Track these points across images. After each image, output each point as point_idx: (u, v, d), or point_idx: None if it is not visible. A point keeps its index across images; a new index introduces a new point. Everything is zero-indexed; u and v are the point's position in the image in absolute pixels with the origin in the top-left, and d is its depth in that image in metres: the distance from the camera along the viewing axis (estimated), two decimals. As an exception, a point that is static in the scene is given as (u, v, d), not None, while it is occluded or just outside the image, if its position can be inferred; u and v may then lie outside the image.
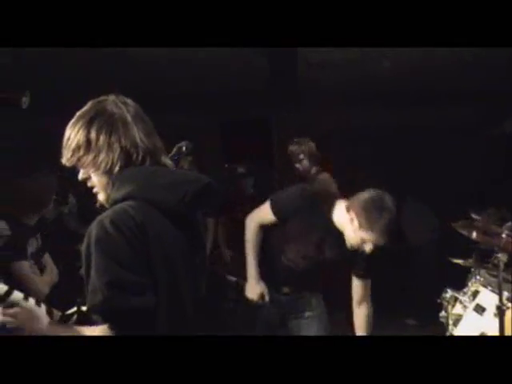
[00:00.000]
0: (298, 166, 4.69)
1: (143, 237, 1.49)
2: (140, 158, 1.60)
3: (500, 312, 2.70)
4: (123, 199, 1.55)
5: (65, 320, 1.72)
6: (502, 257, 2.76)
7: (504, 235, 2.79)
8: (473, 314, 2.99)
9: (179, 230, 1.60)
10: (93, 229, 1.49)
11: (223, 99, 7.10)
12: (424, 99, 6.34)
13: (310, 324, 2.90)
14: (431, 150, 6.56)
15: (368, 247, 2.58)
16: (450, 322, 3.09)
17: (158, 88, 6.19)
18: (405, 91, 6.42)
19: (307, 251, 2.79)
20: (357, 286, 2.89)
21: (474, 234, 2.99)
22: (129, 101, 1.67)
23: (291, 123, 8.04)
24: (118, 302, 1.44)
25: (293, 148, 4.63)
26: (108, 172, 1.59)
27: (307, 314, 2.92)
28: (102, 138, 1.58)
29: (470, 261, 3.24)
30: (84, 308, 1.64)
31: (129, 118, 1.62)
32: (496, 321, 2.72)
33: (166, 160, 1.72)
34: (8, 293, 1.61)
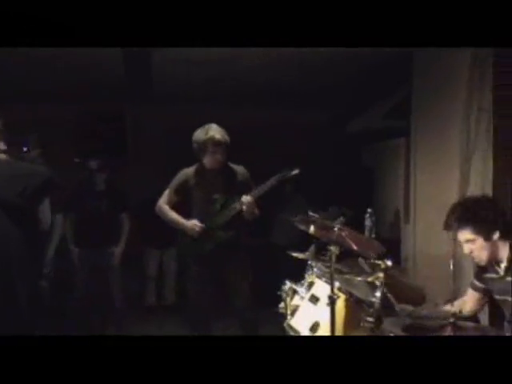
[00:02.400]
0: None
1: None
2: None
3: (331, 301, 2.86)
4: None
5: None
6: (334, 249, 2.94)
7: (336, 229, 2.97)
8: (308, 304, 3.15)
9: (16, 225, 1.52)
10: None
11: (78, 93, 6.87)
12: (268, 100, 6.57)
13: None
14: (278, 150, 6.82)
15: None
16: (288, 312, 3.24)
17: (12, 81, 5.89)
18: (250, 92, 6.63)
19: None
20: None
21: (312, 229, 3.14)
22: None
23: (145, 118, 7.97)
24: None
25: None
26: None
27: None
28: None
29: (307, 254, 3.42)
30: None
31: None
32: (328, 310, 2.89)
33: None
34: None
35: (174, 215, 4.54)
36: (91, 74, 6.09)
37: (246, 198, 4.16)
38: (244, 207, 4.18)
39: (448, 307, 2.87)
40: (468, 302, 3.28)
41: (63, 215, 5.87)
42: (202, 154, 4.34)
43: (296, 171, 4.07)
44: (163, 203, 4.58)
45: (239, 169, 4.45)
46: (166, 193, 4.57)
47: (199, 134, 4.32)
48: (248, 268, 4.45)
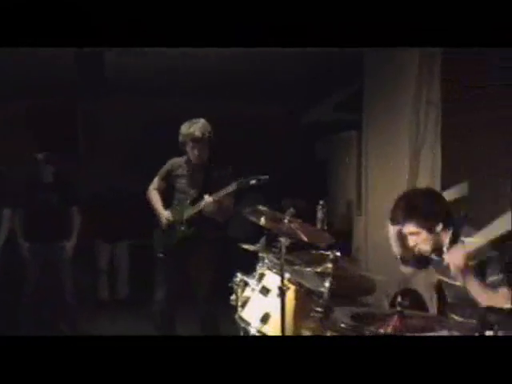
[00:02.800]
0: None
1: None
2: None
3: (281, 292, 2.88)
4: None
5: None
6: (284, 241, 2.96)
7: (286, 220, 2.99)
8: (259, 296, 3.16)
9: None
10: None
11: (29, 87, 6.73)
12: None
13: None
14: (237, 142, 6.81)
15: None
16: (239, 304, 3.25)
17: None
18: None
19: None
20: None
21: (262, 220, 3.15)
22: None
23: (97, 113, 7.85)
24: None
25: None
26: None
27: None
28: None
29: (258, 246, 3.43)
30: None
31: None
32: (278, 301, 2.91)
33: None
34: None
35: (154, 201, 4.64)
36: (42, 71, 5.97)
37: (207, 198, 4.24)
38: (203, 206, 4.26)
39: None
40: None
41: (11, 209, 5.73)
42: (183, 147, 4.43)
43: (259, 179, 4.07)
44: (152, 188, 4.68)
45: (222, 167, 4.50)
46: (156, 179, 4.68)
47: (183, 128, 4.40)
48: (210, 262, 4.51)
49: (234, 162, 4.52)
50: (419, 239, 3.11)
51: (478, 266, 2.85)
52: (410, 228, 3.11)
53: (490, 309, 2.50)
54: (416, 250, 3.33)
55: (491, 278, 2.80)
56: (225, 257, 4.78)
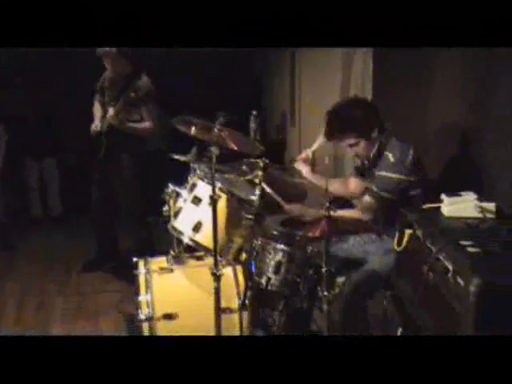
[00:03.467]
0: None
1: None
2: None
3: (213, 201, 2.89)
4: None
5: None
6: (215, 150, 2.93)
7: (215, 129, 2.95)
8: (191, 206, 3.17)
9: None
10: None
11: None
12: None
13: None
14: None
15: None
16: (172, 214, 3.24)
17: None
18: None
19: None
20: None
21: (192, 130, 3.11)
22: None
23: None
24: None
25: None
26: None
27: None
28: None
29: (189, 156, 3.40)
30: None
31: None
32: (210, 210, 2.92)
33: None
34: None
35: (94, 111, 4.85)
36: None
37: (110, 111, 4.52)
38: (108, 118, 4.55)
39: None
40: (350, 183, 3.58)
41: None
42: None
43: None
44: (95, 101, 4.91)
45: (143, 78, 4.55)
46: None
47: None
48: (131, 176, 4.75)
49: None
50: (359, 148, 3.20)
51: None
52: (349, 140, 3.18)
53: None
54: (356, 160, 3.44)
55: None
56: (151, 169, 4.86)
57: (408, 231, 2.55)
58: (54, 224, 6.70)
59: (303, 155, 3.59)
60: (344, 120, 3.17)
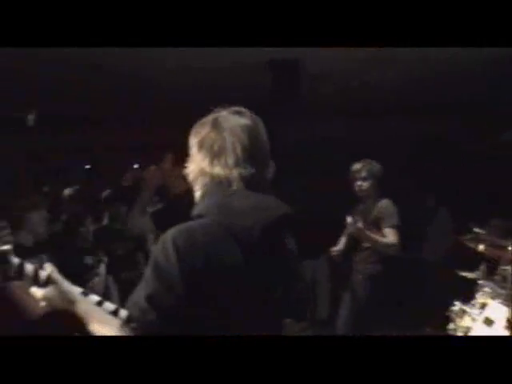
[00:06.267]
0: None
1: (198, 260, 1.39)
2: None
3: (511, 325, 2.71)
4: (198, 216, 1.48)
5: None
6: (511, 269, 2.79)
7: (510, 248, 2.81)
8: (482, 326, 3.01)
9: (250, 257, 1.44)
10: (159, 242, 1.44)
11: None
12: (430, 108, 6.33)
13: None
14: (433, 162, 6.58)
15: None
16: (460, 334, 3.11)
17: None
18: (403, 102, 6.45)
19: None
20: None
21: (481, 247, 3.02)
22: None
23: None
24: (150, 318, 1.37)
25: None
26: None
27: None
28: None
29: (477, 273, 3.26)
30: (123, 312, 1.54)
31: None
32: (506, 333, 2.74)
33: None
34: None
35: None
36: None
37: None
38: None
39: None
40: None
41: None
42: None
43: None
44: None
45: None
46: None
47: None
48: None
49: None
50: None
51: None
52: None
53: None
54: None
55: None
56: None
57: None
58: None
59: None
60: None
